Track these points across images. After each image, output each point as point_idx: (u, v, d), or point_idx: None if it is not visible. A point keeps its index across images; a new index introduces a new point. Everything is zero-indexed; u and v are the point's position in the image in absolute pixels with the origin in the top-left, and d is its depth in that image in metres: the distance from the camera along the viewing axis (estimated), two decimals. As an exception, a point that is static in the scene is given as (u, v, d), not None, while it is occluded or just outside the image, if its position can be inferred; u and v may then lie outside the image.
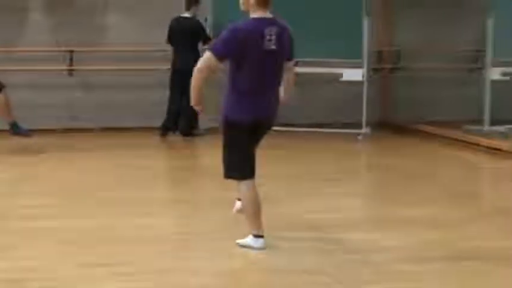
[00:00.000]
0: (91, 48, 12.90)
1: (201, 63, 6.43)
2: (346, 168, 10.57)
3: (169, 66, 12.32)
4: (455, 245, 6.76)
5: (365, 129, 12.71)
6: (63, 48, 12.79)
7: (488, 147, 11.54)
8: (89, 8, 13.04)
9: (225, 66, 6.56)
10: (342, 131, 12.68)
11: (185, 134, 12.49)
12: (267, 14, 6.44)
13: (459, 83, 14.16)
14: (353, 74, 12.67)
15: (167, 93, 12.30)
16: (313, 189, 8.99)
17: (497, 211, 8.09)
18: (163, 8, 12.84)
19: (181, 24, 12.34)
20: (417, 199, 8.51)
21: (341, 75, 12.81)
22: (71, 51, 12.79)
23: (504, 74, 12.73)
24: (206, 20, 12.65)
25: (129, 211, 7.82)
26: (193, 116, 12.37)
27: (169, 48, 12.43)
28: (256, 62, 6.35)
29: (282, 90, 6.72)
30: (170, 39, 12.37)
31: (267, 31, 6.35)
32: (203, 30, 12.40)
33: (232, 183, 6.64)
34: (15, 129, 11.07)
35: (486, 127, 12.63)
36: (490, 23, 12.54)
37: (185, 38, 12.18)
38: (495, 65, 12.70)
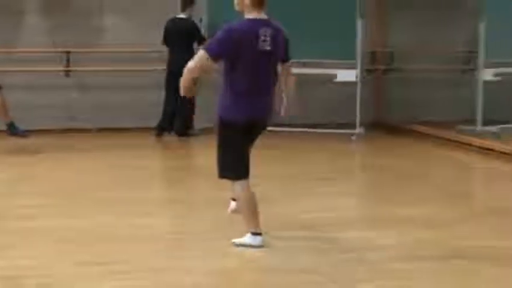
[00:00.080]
0: (88, 50, 12.94)
1: (192, 62, 6.45)
2: (340, 168, 10.62)
3: (165, 67, 12.40)
4: (448, 244, 6.80)
5: (358, 130, 12.76)
6: (60, 50, 12.84)
7: (480, 148, 11.58)
8: (86, 9, 13.07)
9: (219, 66, 6.61)
10: (336, 131, 12.74)
11: (180, 134, 12.54)
12: (262, 15, 6.47)
13: (452, 83, 14.22)
14: (347, 75, 12.71)
15: (163, 93, 12.34)
16: (308, 189, 9.03)
17: (489, 211, 8.13)
18: (159, 9, 12.88)
19: (177, 25, 12.40)
20: (410, 199, 8.56)
21: (335, 76, 12.88)
22: (68, 53, 12.84)
23: (496, 75, 12.81)
24: (201, 20, 12.70)
25: (125, 211, 7.85)
26: (188, 116, 12.46)
27: (164, 49, 12.48)
28: (250, 62, 6.38)
29: (284, 96, 6.75)
30: (166, 40, 12.42)
31: (261, 32, 6.38)
32: (198, 31, 12.45)
33: (226, 183, 6.67)
34: (12, 130, 11.10)
35: (479, 127, 12.69)
36: (482, 25, 12.61)
37: (181, 39, 12.22)
38: (487, 66, 12.77)
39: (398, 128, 13.41)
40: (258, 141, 6.72)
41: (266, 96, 6.57)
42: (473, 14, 13.20)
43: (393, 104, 14.06)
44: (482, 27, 12.63)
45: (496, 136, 12.24)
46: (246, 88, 6.43)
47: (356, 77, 12.74)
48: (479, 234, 7.20)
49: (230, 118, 6.46)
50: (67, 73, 13.00)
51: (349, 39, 12.62)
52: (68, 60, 12.89)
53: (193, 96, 12.08)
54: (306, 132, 12.66)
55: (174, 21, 12.44)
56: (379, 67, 14.28)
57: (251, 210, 6.56)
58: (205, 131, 12.03)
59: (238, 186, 6.55)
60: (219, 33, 6.44)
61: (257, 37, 6.38)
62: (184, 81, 6.51)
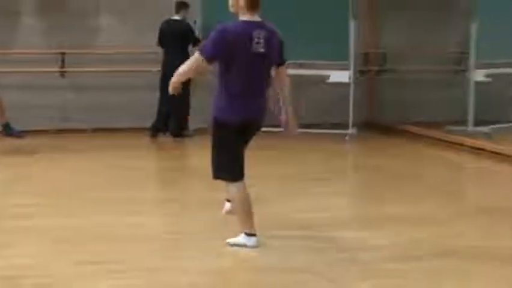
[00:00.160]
0: (83, 51, 12.97)
1: (187, 65, 6.51)
2: (334, 168, 10.68)
3: (160, 68, 12.43)
4: (441, 243, 6.83)
5: (351, 130, 12.81)
6: (55, 51, 12.88)
7: (472, 147, 11.64)
8: (81, 11, 13.10)
9: (214, 68, 6.64)
10: (329, 131, 12.79)
11: (175, 135, 12.59)
12: (256, 18, 6.49)
13: (444, 84, 14.29)
14: (340, 76, 12.76)
15: (158, 94, 12.36)
16: (302, 189, 9.06)
17: (480, 210, 8.16)
18: (154, 11, 12.92)
19: (171, 27, 12.45)
20: (403, 198, 8.61)
21: (328, 77, 12.93)
22: (63, 54, 12.89)
23: (487, 76, 12.89)
24: (195, 22, 12.74)
25: (121, 210, 7.88)
26: (183, 117, 12.50)
27: (160, 50, 12.52)
28: (244, 64, 6.41)
29: (281, 102, 6.77)
30: (161, 41, 12.47)
31: (255, 34, 6.40)
32: (192, 32, 12.50)
33: (220, 183, 6.69)
34: (7, 131, 11.12)
35: (470, 127, 12.75)
36: (474, 26, 12.68)
37: (176, 40, 12.27)
38: (479, 67, 12.84)
39: (390, 129, 13.46)
40: (253, 142, 6.74)
41: (260, 97, 6.59)
42: (465, 15, 13.27)
43: (386, 104, 14.12)
44: (473, 29, 12.70)
45: (487, 136, 12.31)
46: (240, 90, 6.45)
47: (349, 78, 12.79)
48: (471, 234, 7.25)
49: (224, 119, 6.48)
50: (62, 74, 13.04)
51: (342, 41, 12.66)
52: (63, 61, 12.93)
53: (188, 98, 12.25)
54: (300, 132, 12.64)
55: (169, 22, 12.49)
56: (372, 68, 14.34)
57: (245, 210, 6.58)
58: (199, 132, 12.07)
59: (233, 187, 6.56)
60: (213, 34, 6.45)
61: (251, 39, 6.39)
62: (174, 83, 6.58)
